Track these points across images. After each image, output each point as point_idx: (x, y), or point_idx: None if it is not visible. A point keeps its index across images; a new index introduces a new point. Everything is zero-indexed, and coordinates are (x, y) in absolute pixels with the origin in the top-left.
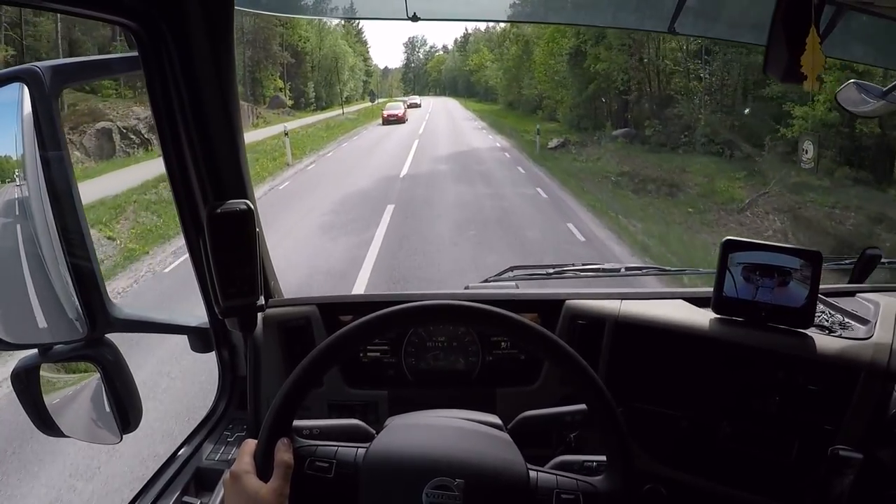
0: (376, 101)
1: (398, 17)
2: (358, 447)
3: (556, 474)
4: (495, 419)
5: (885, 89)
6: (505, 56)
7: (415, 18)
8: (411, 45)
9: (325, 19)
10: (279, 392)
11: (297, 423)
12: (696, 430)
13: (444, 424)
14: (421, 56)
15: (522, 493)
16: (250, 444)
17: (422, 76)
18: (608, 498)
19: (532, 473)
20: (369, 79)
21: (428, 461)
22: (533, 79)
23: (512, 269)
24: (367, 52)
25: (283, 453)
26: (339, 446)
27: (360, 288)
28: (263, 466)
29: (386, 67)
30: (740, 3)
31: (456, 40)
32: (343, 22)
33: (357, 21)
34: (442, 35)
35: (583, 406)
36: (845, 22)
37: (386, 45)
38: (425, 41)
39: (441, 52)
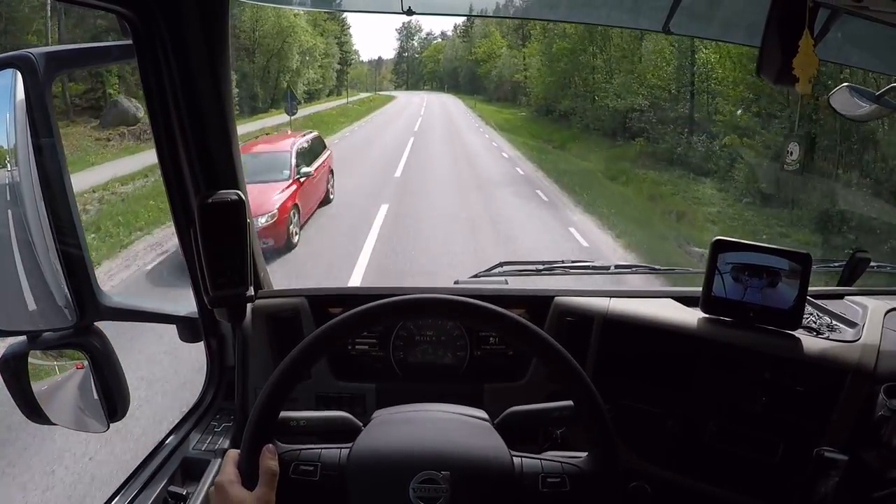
0: (295, 114)
1: (392, 10)
2: (342, 447)
3: (541, 458)
4: (482, 413)
5: (878, 93)
6: (549, 35)
7: (409, 12)
8: (406, 32)
9: (314, 10)
10: (258, 400)
11: (283, 414)
12: (683, 429)
13: (427, 418)
14: (416, 44)
15: (508, 480)
16: (233, 454)
17: (416, 67)
18: (593, 477)
19: (517, 460)
20: (346, 68)
21: (412, 456)
22: (629, 76)
23: (501, 264)
24: (345, 33)
25: (268, 460)
26: (322, 448)
27: None
28: (248, 475)
29: (380, 58)
30: (735, 5)
31: (456, 26)
32: None
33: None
34: (441, 20)
35: (569, 402)
36: (840, 26)
37: (381, 33)
38: (421, 27)
39: (439, 40)
